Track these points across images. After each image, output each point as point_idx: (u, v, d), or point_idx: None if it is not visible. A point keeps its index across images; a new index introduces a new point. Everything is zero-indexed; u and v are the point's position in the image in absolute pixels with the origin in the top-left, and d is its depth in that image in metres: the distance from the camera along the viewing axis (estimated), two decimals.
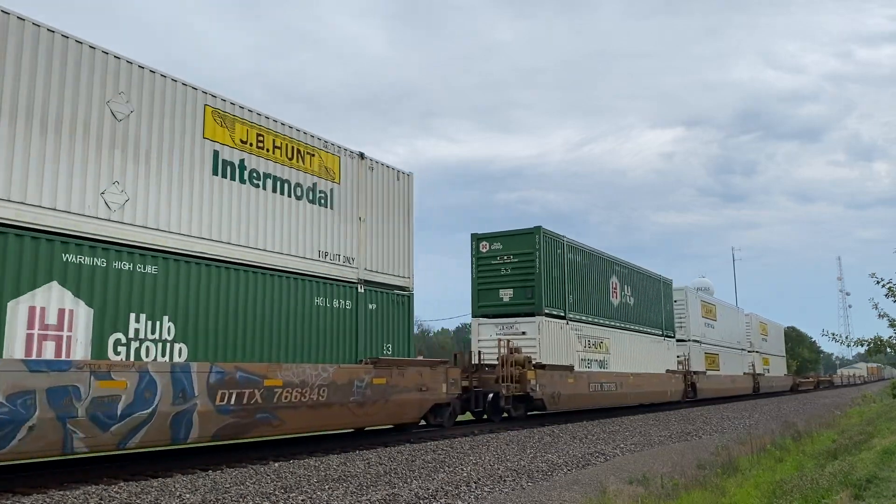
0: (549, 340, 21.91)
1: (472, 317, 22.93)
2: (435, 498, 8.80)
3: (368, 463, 11.52)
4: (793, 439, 14.93)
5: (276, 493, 8.92)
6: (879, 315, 14.23)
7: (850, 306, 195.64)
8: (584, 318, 24.28)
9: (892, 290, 13.70)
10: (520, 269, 22.15)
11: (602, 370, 24.98)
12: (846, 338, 15.64)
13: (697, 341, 36.14)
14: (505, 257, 22.43)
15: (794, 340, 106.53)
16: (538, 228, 22.03)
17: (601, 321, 25.42)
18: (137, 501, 8.35)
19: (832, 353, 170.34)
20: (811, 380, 73.62)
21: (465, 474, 10.54)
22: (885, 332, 14.73)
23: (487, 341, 21.92)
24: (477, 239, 22.86)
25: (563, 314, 22.92)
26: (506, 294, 22.29)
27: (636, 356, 28.02)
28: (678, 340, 33.10)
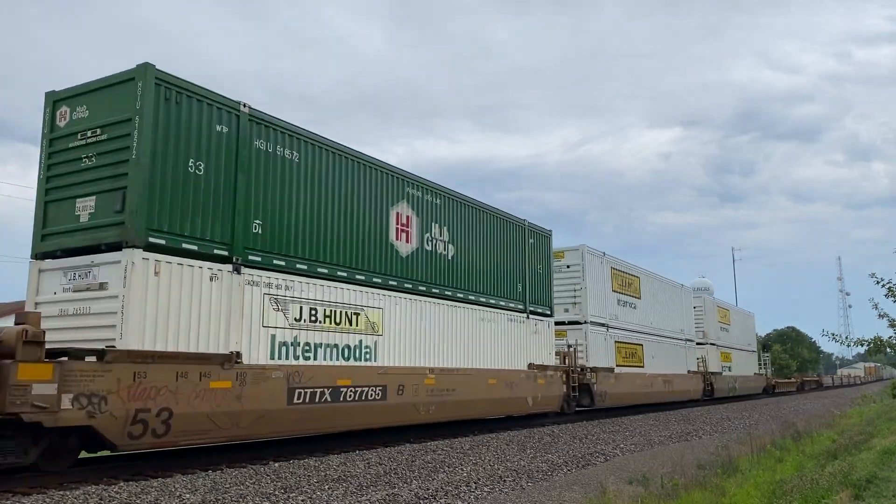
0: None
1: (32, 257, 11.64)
2: (435, 498, 8.80)
3: (368, 463, 11.52)
4: (793, 439, 14.92)
5: (276, 493, 8.92)
6: (879, 315, 14.23)
7: (850, 306, 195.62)
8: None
9: (892, 290, 13.69)
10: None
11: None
12: (846, 338, 15.64)
13: (601, 324, 25.99)
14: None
15: (794, 340, 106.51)
16: (147, 66, 10.73)
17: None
18: (137, 501, 8.34)
19: (832, 353, 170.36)
20: (793, 381, 64.73)
21: (465, 474, 10.54)
22: (885, 332, 14.73)
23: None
24: (54, 102, 11.72)
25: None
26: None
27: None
28: (569, 323, 24.84)
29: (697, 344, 34.43)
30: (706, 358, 35.98)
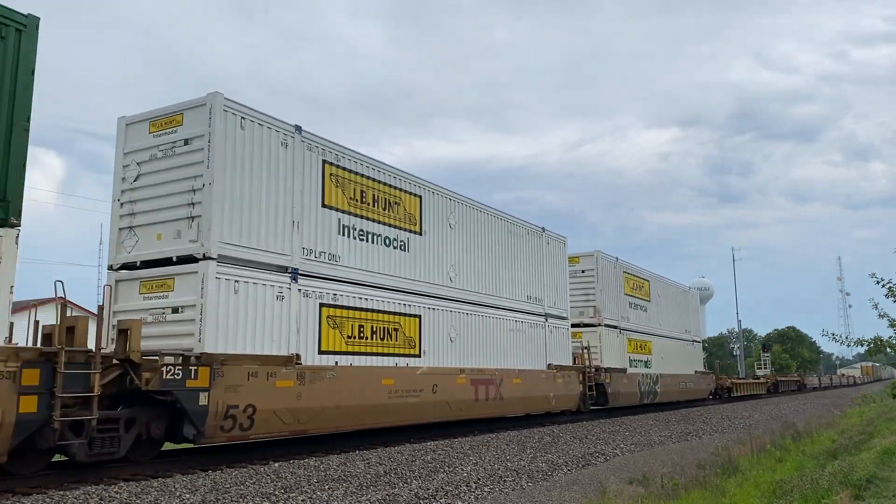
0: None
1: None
2: (435, 498, 8.80)
3: (368, 463, 11.52)
4: (793, 439, 14.93)
5: (276, 493, 8.92)
6: (879, 315, 14.22)
7: (850, 306, 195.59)
8: None
9: (892, 290, 13.69)
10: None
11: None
12: (846, 338, 15.64)
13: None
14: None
15: (794, 340, 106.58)
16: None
17: None
18: (137, 501, 8.35)
19: (832, 353, 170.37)
20: (763, 382, 50.49)
21: (465, 474, 10.54)
22: (886, 332, 14.73)
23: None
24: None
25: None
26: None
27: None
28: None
29: (585, 326, 25.24)
30: (598, 347, 24.93)
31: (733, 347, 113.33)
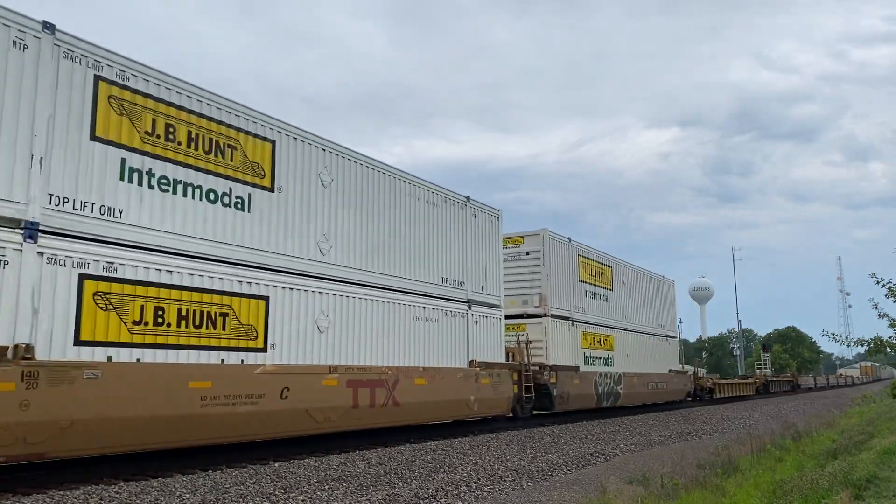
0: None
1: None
2: (435, 498, 8.80)
3: (368, 463, 11.52)
4: (793, 439, 14.93)
5: (276, 493, 8.92)
6: (879, 315, 14.21)
7: (850, 306, 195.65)
8: None
9: (893, 290, 13.69)
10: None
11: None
12: (846, 338, 15.63)
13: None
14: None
15: (794, 340, 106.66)
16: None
17: None
18: (137, 501, 8.35)
19: (832, 353, 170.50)
20: (751, 381, 47.13)
21: (465, 474, 10.54)
22: (886, 332, 14.72)
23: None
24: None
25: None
26: None
27: None
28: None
29: (529, 317, 22.15)
30: (543, 341, 21.80)
31: (733, 347, 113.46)
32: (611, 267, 27.21)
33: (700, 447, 14.81)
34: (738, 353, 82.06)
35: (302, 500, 8.50)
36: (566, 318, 23.08)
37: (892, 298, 13.61)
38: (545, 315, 21.92)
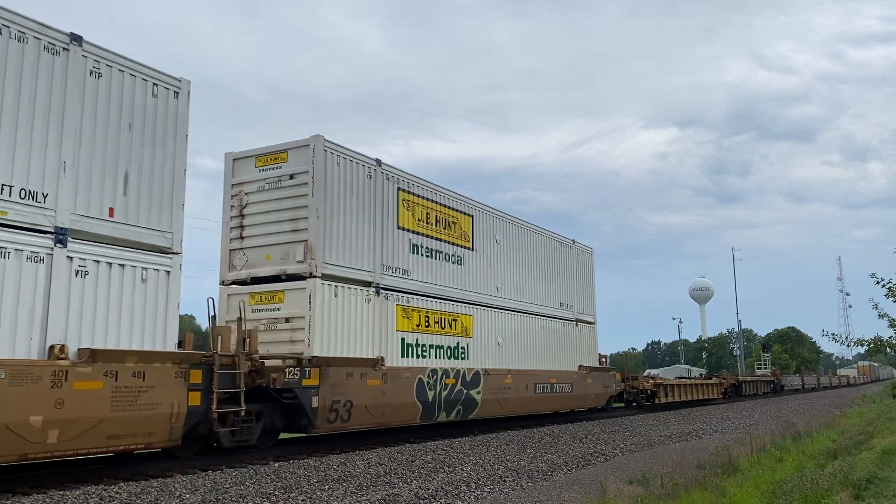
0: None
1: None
2: (435, 498, 8.80)
3: (368, 463, 11.52)
4: (793, 439, 14.93)
5: (276, 493, 8.92)
6: (879, 315, 14.21)
7: (850, 306, 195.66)
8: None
9: (892, 291, 13.69)
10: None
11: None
12: (846, 338, 15.64)
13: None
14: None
15: (794, 340, 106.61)
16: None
17: None
18: (137, 501, 8.35)
19: (832, 353, 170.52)
20: (715, 382, 36.73)
21: (465, 474, 10.54)
22: (886, 332, 14.72)
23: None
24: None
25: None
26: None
27: None
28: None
29: (289, 278, 13.97)
30: (306, 317, 13.48)
31: (733, 347, 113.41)
32: (470, 216, 18.69)
33: (700, 447, 14.81)
34: (739, 352, 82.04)
35: (302, 500, 8.50)
36: (366, 284, 14.84)
37: (892, 298, 13.61)
38: (311, 275, 13.53)
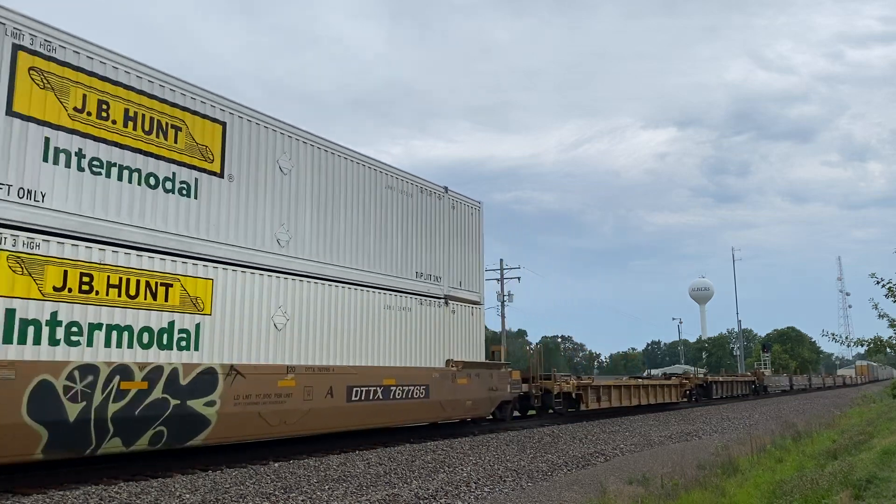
0: None
1: None
2: (435, 498, 8.80)
3: (368, 463, 11.52)
4: (793, 440, 14.93)
5: (276, 493, 8.92)
6: (879, 315, 14.22)
7: (850, 306, 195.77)
8: None
9: (892, 291, 13.69)
10: None
11: None
12: (846, 338, 15.64)
13: None
14: None
15: (794, 340, 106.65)
16: None
17: None
18: (137, 501, 8.35)
19: (832, 353, 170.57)
20: (675, 383, 30.95)
21: (465, 474, 10.54)
22: (886, 332, 14.73)
23: None
24: None
25: None
26: None
27: None
28: None
29: None
30: None
31: (733, 347, 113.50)
32: (219, 123, 12.45)
33: (700, 447, 14.81)
34: (738, 352, 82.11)
35: (302, 500, 8.50)
36: None
37: (892, 298, 13.62)
38: None
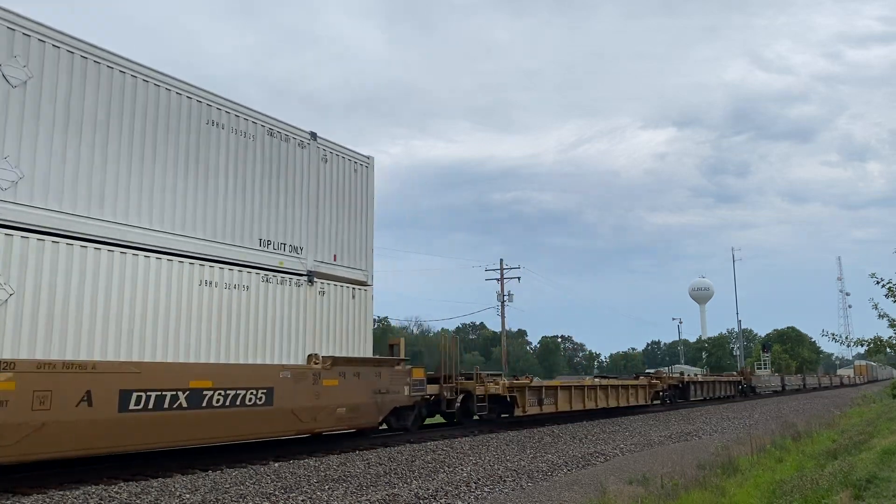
0: None
1: None
2: (435, 498, 8.80)
3: (368, 463, 11.52)
4: (793, 439, 14.93)
5: (276, 493, 8.92)
6: (879, 315, 14.24)
7: (850, 306, 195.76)
8: None
9: (892, 291, 13.71)
10: None
11: None
12: (846, 338, 15.66)
13: None
14: None
15: (794, 340, 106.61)
16: None
17: None
18: (137, 501, 8.35)
19: (832, 354, 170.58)
20: (643, 383, 27.58)
21: (465, 474, 10.54)
22: (886, 332, 14.75)
23: None
24: None
25: None
26: None
27: None
28: None
29: None
30: None
31: (733, 347, 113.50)
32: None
33: (700, 447, 14.81)
34: (738, 352, 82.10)
35: (302, 500, 8.50)
36: None
37: (892, 298, 13.64)
38: None
